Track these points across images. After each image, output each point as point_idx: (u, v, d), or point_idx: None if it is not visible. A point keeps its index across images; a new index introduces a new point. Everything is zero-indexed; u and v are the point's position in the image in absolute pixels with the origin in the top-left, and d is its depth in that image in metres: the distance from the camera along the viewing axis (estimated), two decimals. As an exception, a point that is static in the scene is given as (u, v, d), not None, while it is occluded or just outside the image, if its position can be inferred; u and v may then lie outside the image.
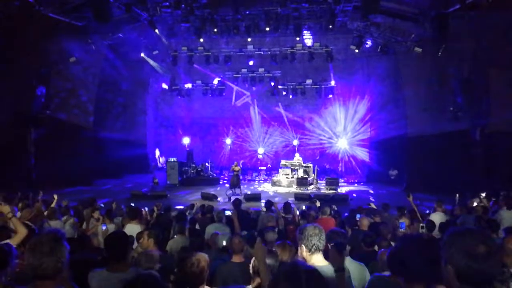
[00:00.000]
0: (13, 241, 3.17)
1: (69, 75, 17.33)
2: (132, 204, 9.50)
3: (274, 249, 3.78)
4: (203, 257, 2.97)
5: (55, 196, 8.00)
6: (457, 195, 9.86)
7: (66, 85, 17.57)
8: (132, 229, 5.79)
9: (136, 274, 2.30)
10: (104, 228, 6.17)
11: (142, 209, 7.89)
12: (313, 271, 1.57)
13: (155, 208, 8.60)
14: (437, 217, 7.14)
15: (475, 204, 8.94)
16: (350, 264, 3.64)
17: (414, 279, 2.04)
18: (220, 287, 3.69)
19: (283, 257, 3.50)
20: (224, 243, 4.65)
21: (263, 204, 13.25)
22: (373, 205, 8.81)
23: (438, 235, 5.84)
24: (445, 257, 1.76)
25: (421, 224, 5.10)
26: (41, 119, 16.97)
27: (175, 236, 6.20)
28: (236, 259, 4.02)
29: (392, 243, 5.05)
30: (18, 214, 7.07)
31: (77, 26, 15.30)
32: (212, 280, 3.73)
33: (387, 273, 3.17)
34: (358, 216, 6.64)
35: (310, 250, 2.96)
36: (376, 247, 4.68)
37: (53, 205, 7.62)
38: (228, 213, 7.06)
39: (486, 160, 15.16)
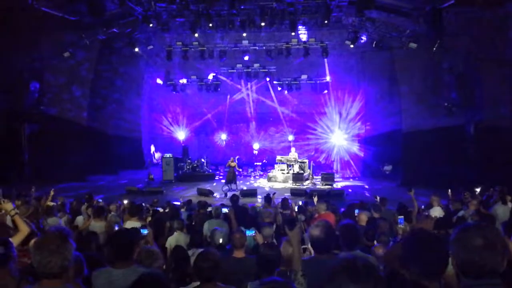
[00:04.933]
0: (15, 240, 3.12)
1: (62, 70, 17.16)
2: (126, 201, 9.43)
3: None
4: (215, 252, 2.99)
5: (52, 192, 7.94)
6: (449, 190, 9.90)
7: (60, 80, 17.41)
8: (133, 226, 5.76)
9: (139, 274, 2.29)
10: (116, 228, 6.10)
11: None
12: (371, 266, 1.59)
13: (152, 205, 8.57)
14: (436, 213, 7.22)
15: (469, 198, 9.00)
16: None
17: (433, 277, 2.06)
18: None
19: (290, 252, 3.52)
20: (221, 240, 4.64)
21: (259, 200, 13.32)
22: (378, 198, 8.75)
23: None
24: (451, 252, 1.82)
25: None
26: (34, 114, 16.82)
27: (174, 233, 6.19)
28: (237, 254, 4.02)
29: (391, 239, 5.08)
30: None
31: (70, 21, 15.12)
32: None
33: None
34: (356, 211, 6.67)
35: None
36: (375, 242, 4.72)
37: (49, 200, 7.57)
38: (225, 210, 7.04)
39: (480, 155, 15.27)
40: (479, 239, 1.72)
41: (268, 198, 8.75)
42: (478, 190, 10.50)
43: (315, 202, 7.59)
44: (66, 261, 2.12)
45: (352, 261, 1.56)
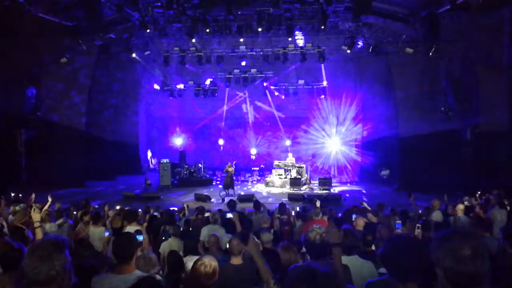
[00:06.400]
0: None
1: (60, 76, 17.14)
2: (118, 207, 9.35)
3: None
4: (213, 259, 2.97)
5: (49, 198, 7.88)
6: (445, 195, 9.90)
7: (58, 86, 17.40)
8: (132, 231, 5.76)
9: (138, 278, 2.27)
10: (107, 234, 6.06)
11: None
12: (329, 274, 1.56)
13: (151, 210, 8.54)
14: (437, 217, 7.22)
15: (466, 203, 9.01)
16: (358, 262, 3.65)
17: (406, 279, 2.08)
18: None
19: (287, 258, 3.50)
20: (228, 245, 4.62)
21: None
22: (365, 205, 8.79)
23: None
24: (434, 260, 1.79)
25: (417, 225, 5.06)
26: (32, 120, 16.77)
27: (168, 238, 6.15)
28: (235, 261, 4.00)
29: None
30: (11, 217, 6.98)
31: (67, 26, 15.13)
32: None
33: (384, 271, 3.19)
34: (354, 216, 6.66)
35: None
36: (373, 247, 4.71)
37: (46, 207, 7.51)
38: (229, 215, 7.02)
39: (476, 159, 15.32)
40: (467, 249, 1.68)
41: (256, 205, 8.74)
42: (478, 193, 10.51)
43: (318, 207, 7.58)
44: (54, 270, 2.03)
45: (312, 270, 1.53)
